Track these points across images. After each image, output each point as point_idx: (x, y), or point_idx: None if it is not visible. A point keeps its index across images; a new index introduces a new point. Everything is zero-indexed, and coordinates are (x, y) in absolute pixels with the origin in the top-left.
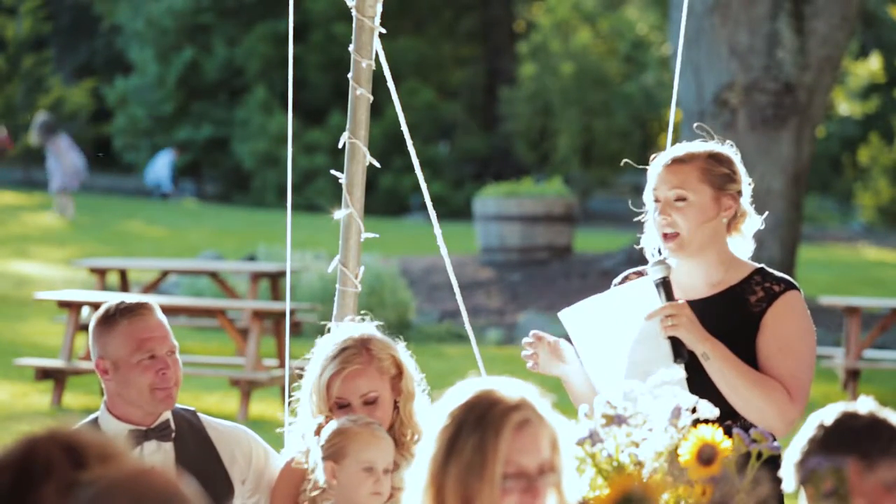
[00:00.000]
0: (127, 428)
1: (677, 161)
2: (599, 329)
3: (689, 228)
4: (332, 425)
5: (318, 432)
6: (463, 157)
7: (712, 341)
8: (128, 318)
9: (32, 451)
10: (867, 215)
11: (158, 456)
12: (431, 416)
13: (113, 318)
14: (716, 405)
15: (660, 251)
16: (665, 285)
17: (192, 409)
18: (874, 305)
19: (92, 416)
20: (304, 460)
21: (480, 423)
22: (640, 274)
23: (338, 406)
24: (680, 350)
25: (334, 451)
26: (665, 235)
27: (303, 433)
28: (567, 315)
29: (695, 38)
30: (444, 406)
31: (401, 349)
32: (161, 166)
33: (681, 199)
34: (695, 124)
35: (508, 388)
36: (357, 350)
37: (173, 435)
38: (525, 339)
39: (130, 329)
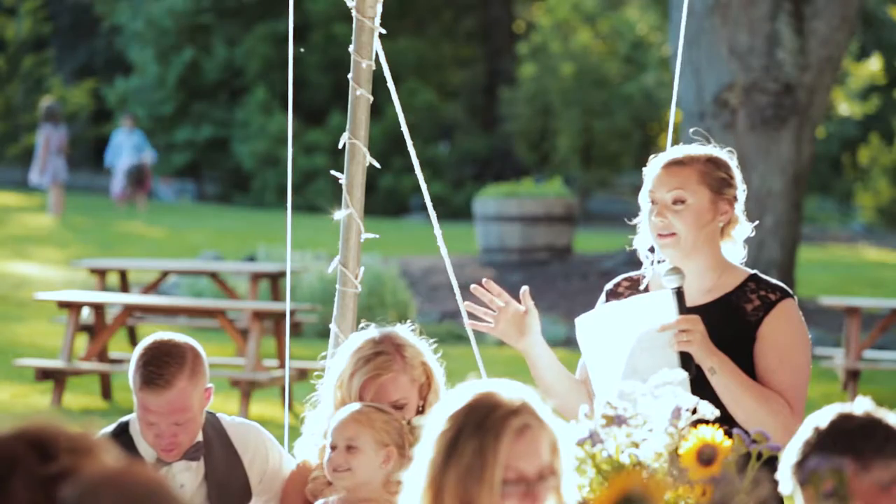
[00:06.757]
0: (155, 453)
1: (675, 163)
2: (609, 336)
3: (685, 231)
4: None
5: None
6: (463, 157)
7: (719, 356)
8: (144, 387)
9: None
10: (867, 216)
11: (188, 474)
12: (431, 418)
13: (136, 375)
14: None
15: (652, 250)
16: (679, 295)
17: (210, 412)
18: (874, 306)
19: (123, 419)
20: (318, 459)
21: (481, 427)
22: (632, 279)
23: None
24: (689, 364)
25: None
26: (660, 235)
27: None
28: (582, 321)
29: (695, 38)
30: (443, 408)
31: (429, 353)
32: (119, 145)
33: (679, 201)
34: (691, 129)
35: (509, 391)
36: (392, 357)
37: (203, 451)
38: (483, 289)
39: (143, 398)
